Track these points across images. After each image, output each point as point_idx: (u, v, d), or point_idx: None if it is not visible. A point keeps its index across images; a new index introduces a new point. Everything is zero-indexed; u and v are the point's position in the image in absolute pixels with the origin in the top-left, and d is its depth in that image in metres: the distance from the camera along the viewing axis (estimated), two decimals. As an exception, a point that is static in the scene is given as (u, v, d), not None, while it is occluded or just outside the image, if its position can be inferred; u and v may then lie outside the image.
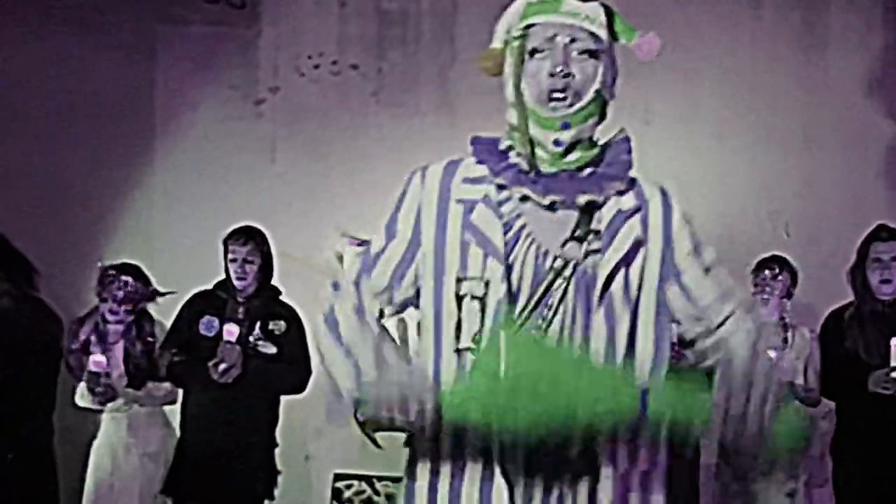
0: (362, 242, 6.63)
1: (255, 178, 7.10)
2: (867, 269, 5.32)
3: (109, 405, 5.55)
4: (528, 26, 2.32)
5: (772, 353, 5.48)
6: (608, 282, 2.26)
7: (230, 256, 5.43)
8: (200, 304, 5.43)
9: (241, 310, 5.36)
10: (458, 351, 2.26)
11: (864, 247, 5.34)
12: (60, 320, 4.80)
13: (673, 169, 6.99)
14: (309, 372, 5.30)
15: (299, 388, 5.37)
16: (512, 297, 2.25)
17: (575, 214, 2.30)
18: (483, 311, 2.25)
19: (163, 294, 5.69)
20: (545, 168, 2.29)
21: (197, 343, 5.31)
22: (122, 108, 7.07)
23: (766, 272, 5.79)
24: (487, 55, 2.38)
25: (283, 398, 5.49)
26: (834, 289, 5.82)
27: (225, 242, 5.47)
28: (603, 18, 2.32)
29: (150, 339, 5.61)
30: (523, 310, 2.25)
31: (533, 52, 2.31)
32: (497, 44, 2.38)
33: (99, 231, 6.93)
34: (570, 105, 2.27)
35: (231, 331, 5.21)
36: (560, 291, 2.25)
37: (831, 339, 5.42)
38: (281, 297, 5.49)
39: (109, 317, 5.60)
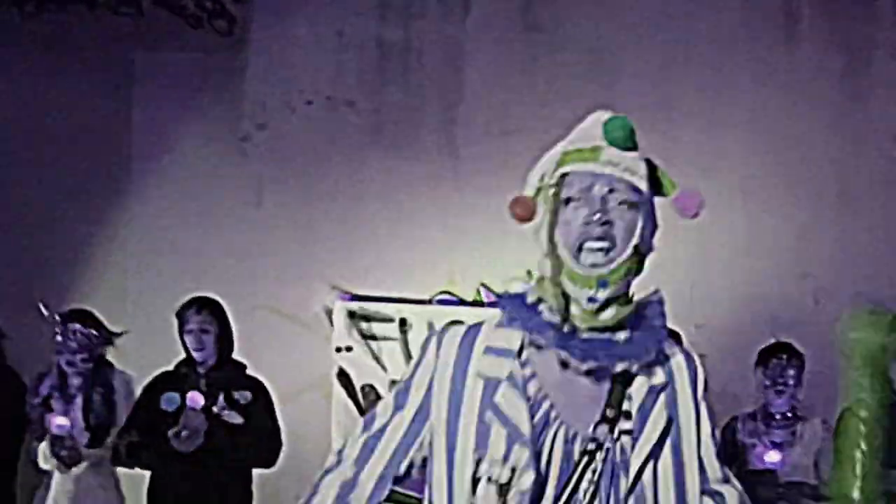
0: (354, 297, 6.56)
1: (239, 223, 7.10)
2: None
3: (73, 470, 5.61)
4: (564, 175, 2.36)
5: (775, 456, 5.51)
6: (640, 471, 2.30)
7: (186, 327, 5.58)
8: (161, 384, 5.55)
9: (203, 382, 5.50)
10: None
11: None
12: (25, 387, 4.84)
13: (692, 226, 7.03)
14: (279, 444, 5.49)
15: (270, 460, 5.52)
16: (540, 486, 2.29)
17: (604, 390, 2.34)
18: (503, 497, 2.28)
19: (118, 335, 5.77)
20: (579, 324, 2.32)
21: (158, 422, 5.39)
22: (95, 143, 7.07)
23: (776, 361, 5.79)
24: (518, 201, 2.40)
25: (255, 472, 5.58)
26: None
27: (179, 315, 5.61)
28: (644, 170, 2.36)
29: (106, 388, 5.68)
30: (556, 500, 2.29)
31: (568, 200, 2.34)
32: (529, 191, 2.42)
33: (67, 278, 6.93)
34: (607, 254, 2.31)
35: (195, 398, 5.35)
36: (590, 478, 2.28)
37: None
38: (247, 371, 5.62)
39: (68, 369, 5.67)
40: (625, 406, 2.33)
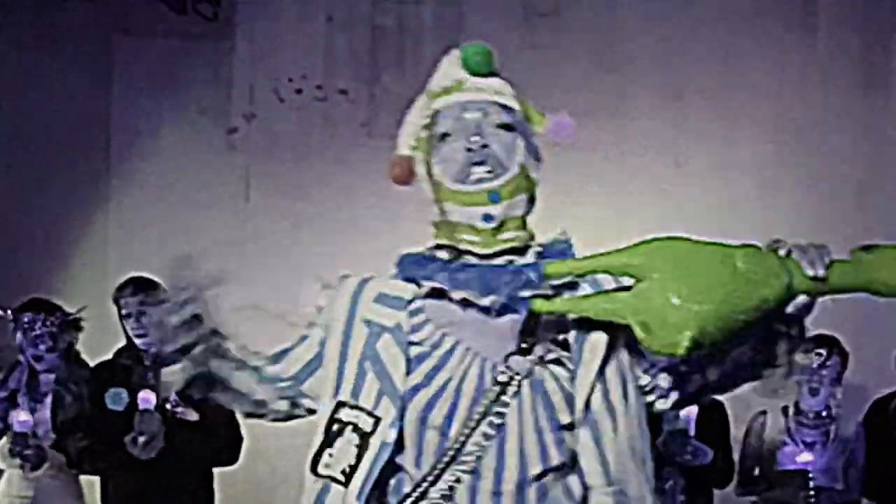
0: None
1: (226, 218, 7.08)
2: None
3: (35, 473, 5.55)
4: (435, 113, 2.42)
5: (808, 456, 5.46)
6: (588, 400, 2.30)
7: (123, 312, 5.48)
8: (104, 378, 5.41)
9: (150, 375, 5.34)
10: (318, 475, 2.36)
11: None
12: None
13: (706, 222, 7.02)
14: (240, 439, 5.40)
15: (231, 458, 5.45)
16: (447, 419, 2.30)
17: (519, 323, 2.34)
18: (361, 447, 2.32)
19: (76, 314, 5.72)
20: (480, 250, 2.36)
21: (105, 421, 5.27)
22: (72, 134, 7.05)
23: (814, 356, 5.68)
24: (394, 163, 2.48)
25: (217, 471, 5.52)
26: (884, 369, 5.88)
27: (115, 299, 5.52)
28: (512, 91, 2.44)
29: (78, 386, 5.62)
30: (459, 434, 2.29)
31: (443, 136, 2.39)
32: (404, 150, 2.48)
33: (45, 273, 6.90)
34: (495, 178, 2.35)
35: (146, 398, 5.20)
36: (506, 407, 2.29)
37: (876, 431, 5.36)
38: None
39: (36, 364, 5.63)
40: (560, 335, 2.34)
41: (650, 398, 2.41)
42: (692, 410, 5.32)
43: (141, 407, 5.18)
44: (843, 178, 6.97)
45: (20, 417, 5.41)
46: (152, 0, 7.15)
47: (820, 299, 2.39)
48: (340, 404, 2.36)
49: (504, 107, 2.41)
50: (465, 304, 2.34)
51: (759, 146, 7.00)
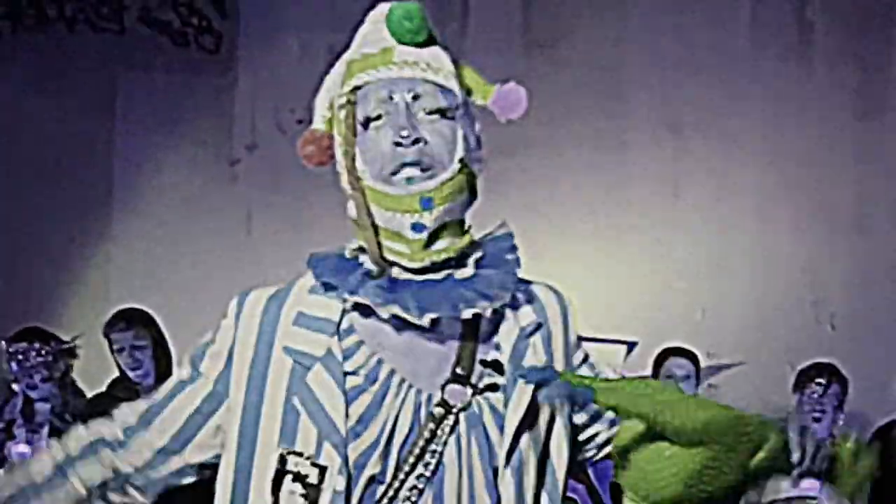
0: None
1: (228, 249, 7.08)
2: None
3: None
4: (355, 89, 2.01)
5: (814, 483, 5.45)
6: (517, 435, 1.97)
7: (115, 346, 5.47)
8: (97, 409, 5.33)
9: None
10: None
11: None
12: None
13: (704, 250, 7.06)
14: None
15: None
16: (383, 462, 1.94)
17: (453, 346, 2.00)
18: (309, 499, 1.93)
19: (72, 343, 5.67)
20: (408, 263, 1.98)
21: None
22: (76, 166, 7.08)
23: (815, 386, 5.70)
24: (307, 140, 2.09)
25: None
26: (885, 395, 5.97)
27: (106, 333, 5.51)
28: (450, 66, 2.03)
29: (77, 417, 5.58)
30: (393, 479, 1.94)
31: (367, 121, 1.99)
32: (318, 124, 2.09)
33: (46, 307, 6.86)
34: (430, 178, 1.96)
35: None
36: (442, 446, 1.95)
37: (879, 459, 5.33)
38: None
39: (31, 393, 5.59)
40: (491, 355, 2.00)
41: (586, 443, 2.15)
42: None
43: None
44: (839, 207, 6.99)
45: (18, 449, 5.38)
46: (155, 34, 7.19)
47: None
48: (283, 455, 1.95)
49: (441, 87, 2.00)
50: (396, 323, 1.97)
51: (757, 177, 7.01)
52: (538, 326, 2.05)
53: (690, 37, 7.08)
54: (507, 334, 2.01)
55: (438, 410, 1.94)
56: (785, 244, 6.94)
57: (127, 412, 2.13)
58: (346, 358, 1.96)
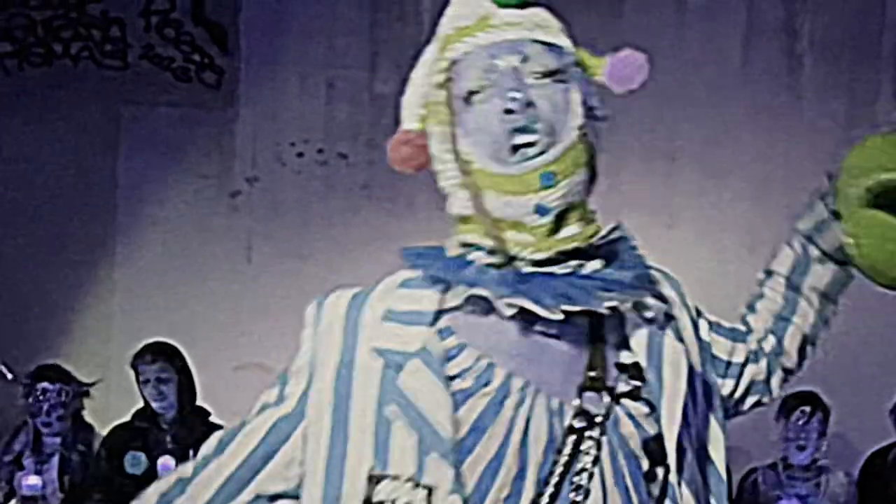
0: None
1: (229, 279, 7.09)
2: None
3: None
4: (452, 64, 1.73)
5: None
6: (681, 447, 1.69)
7: (141, 378, 5.51)
8: (122, 439, 5.48)
9: (167, 438, 5.44)
10: None
11: None
12: None
13: (698, 280, 7.06)
14: None
15: None
16: (514, 491, 1.63)
17: (582, 347, 1.70)
18: None
19: (91, 385, 5.72)
20: (533, 254, 1.67)
21: (123, 484, 5.26)
22: (80, 198, 7.09)
23: (798, 414, 5.76)
24: (397, 140, 1.80)
25: None
26: (876, 422, 5.87)
27: (133, 365, 5.55)
28: (557, 23, 1.78)
29: (83, 448, 5.63)
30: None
31: (469, 96, 1.70)
32: (412, 122, 1.79)
33: (51, 337, 6.88)
34: (546, 149, 1.68)
35: (168, 464, 5.22)
36: (585, 466, 1.64)
37: (873, 484, 5.37)
38: (210, 419, 5.51)
39: (44, 429, 5.63)
40: (624, 358, 1.71)
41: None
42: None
43: (161, 472, 5.16)
44: None
45: (29, 481, 5.41)
46: (158, 69, 7.21)
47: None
48: (373, 479, 1.64)
49: (550, 46, 1.73)
50: (515, 322, 1.66)
51: (749, 207, 7.03)
52: (669, 317, 1.77)
53: (684, 71, 7.06)
54: (636, 332, 1.72)
55: (579, 421, 1.64)
56: None
57: (208, 443, 1.85)
58: (448, 359, 1.66)
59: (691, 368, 1.74)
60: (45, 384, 5.60)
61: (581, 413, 1.65)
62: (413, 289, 1.72)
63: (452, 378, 1.64)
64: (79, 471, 5.57)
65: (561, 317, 1.62)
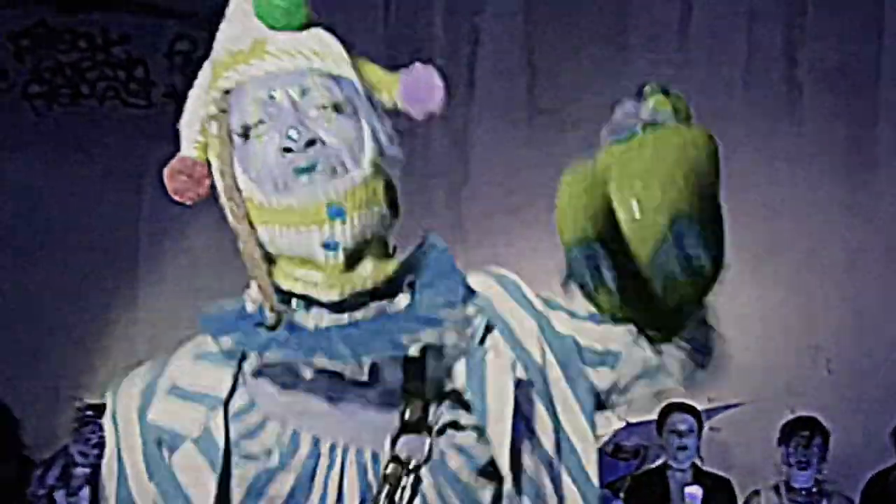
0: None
1: None
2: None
3: None
4: (225, 94, 1.54)
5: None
6: (517, 464, 1.52)
7: None
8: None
9: None
10: None
11: None
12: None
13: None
14: None
15: None
16: None
17: (394, 397, 1.52)
18: None
19: None
20: (327, 295, 1.50)
21: None
22: (104, 236, 7.21)
23: (799, 438, 5.80)
24: (172, 169, 1.63)
25: None
26: (881, 437, 5.90)
27: None
28: (340, 49, 1.55)
29: None
30: None
31: (245, 131, 1.52)
32: (187, 150, 1.62)
33: (76, 367, 7.00)
34: (334, 179, 1.48)
35: None
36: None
37: None
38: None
39: (79, 458, 5.70)
40: (446, 387, 1.52)
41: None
42: (698, 491, 5.46)
43: None
44: (832, 258, 7.03)
45: None
46: (181, 107, 7.28)
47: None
48: None
49: (332, 76, 1.52)
50: (319, 381, 1.49)
51: (753, 230, 7.01)
52: (489, 328, 1.56)
53: (687, 97, 7.14)
54: (455, 353, 1.53)
55: (392, 468, 1.48)
56: (782, 293, 6.99)
57: None
58: (248, 437, 1.51)
59: (520, 381, 1.54)
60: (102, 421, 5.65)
61: (393, 460, 1.48)
62: (209, 362, 1.56)
63: (252, 458, 1.50)
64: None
65: (364, 373, 1.47)
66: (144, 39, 7.34)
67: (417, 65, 1.57)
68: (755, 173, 7.11)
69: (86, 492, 5.67)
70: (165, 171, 1.62)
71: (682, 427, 5.92)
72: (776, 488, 5.84)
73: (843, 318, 7.01)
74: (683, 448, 5.86)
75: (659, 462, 5.93)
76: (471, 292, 1.57)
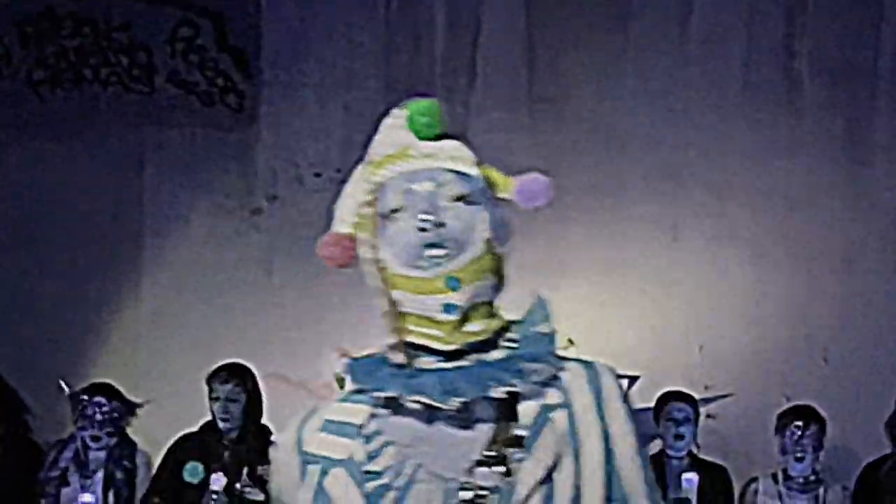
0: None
1: (251, 295, 7.17)
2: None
3: None
4: (378, 186, 1.97)
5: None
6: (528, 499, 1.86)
7: (213, 395, 5.60)
8: (185, 448, 5.57)
9: (226, 454, 5.52)
10: None
11: None
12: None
13: (701, 291, 7.08)
14: None
15: None
16: None
17: (481, 433, 1.89)
18: None
19: (140, 405, 5.83)
20: (442, 346, 1.90)
21: (181, 490, 5.41)
22: (107, 220, 7.21)
23: (794, 428, 5.80)
24: (329, 242, 2.02)
25: None
26: (876, 427, 5.89)
27: (208, 381, 5.63)
28: (469, 154, 1.98)
29: (128, 464, 5.69)
30: None
31: (390, 213, 1.94)
32: (341, 227, 2.02)
33: (79, 356, 7.00)
34: (454, 258, 1.90)
35: (218, 479, 5.32)
36: None
37: (867, 496, 5.38)
38: (272, 438, 5.53)
39: (91, 443, 5.70)
40: (514, 430, 1.89)
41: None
42: (694, 478, 5.46)
43: (211, 487, 5.29)
44: (829, 247, 7.03)
45: (84, 498, 5.44)
46: (183, 93, 7.33)
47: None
48: None
49: (461, 174, 1.94)
50: (426, 414, 1.89)
51: (751, 220, 7.08)
52: (560, 404, 1.91)
53: (686, 90, 7.14)
54: (526, 409, 1.90)
55: (466, 494, 1.84)
56: (779, 283, 6.98)
57: None
58: (371, 459, 1.90)
59: (562, 450, 1.89)
60: (99, 398, 5.68)
61: (465, 486, 1.85)
62: (350, 402, 1.97)
63: (373, 475, 1.90)
64: (123, 487, 5.67)
65: (453, 407, 1.86)
66: (147, 26, 7.32)
67: (534, 174, 1.99)
68: (754, 162, 7.11)
69: (100, 475, 5.68)
70: (321, 242, 2.02)
71: (679, 415, 5.94)
72: (773, 476, 5.85)
73: (840, 308, 7.00)
74: (680, 436, 5.88)
75: (656, 450, 5.94)
76: (559, 360, 1.94)
